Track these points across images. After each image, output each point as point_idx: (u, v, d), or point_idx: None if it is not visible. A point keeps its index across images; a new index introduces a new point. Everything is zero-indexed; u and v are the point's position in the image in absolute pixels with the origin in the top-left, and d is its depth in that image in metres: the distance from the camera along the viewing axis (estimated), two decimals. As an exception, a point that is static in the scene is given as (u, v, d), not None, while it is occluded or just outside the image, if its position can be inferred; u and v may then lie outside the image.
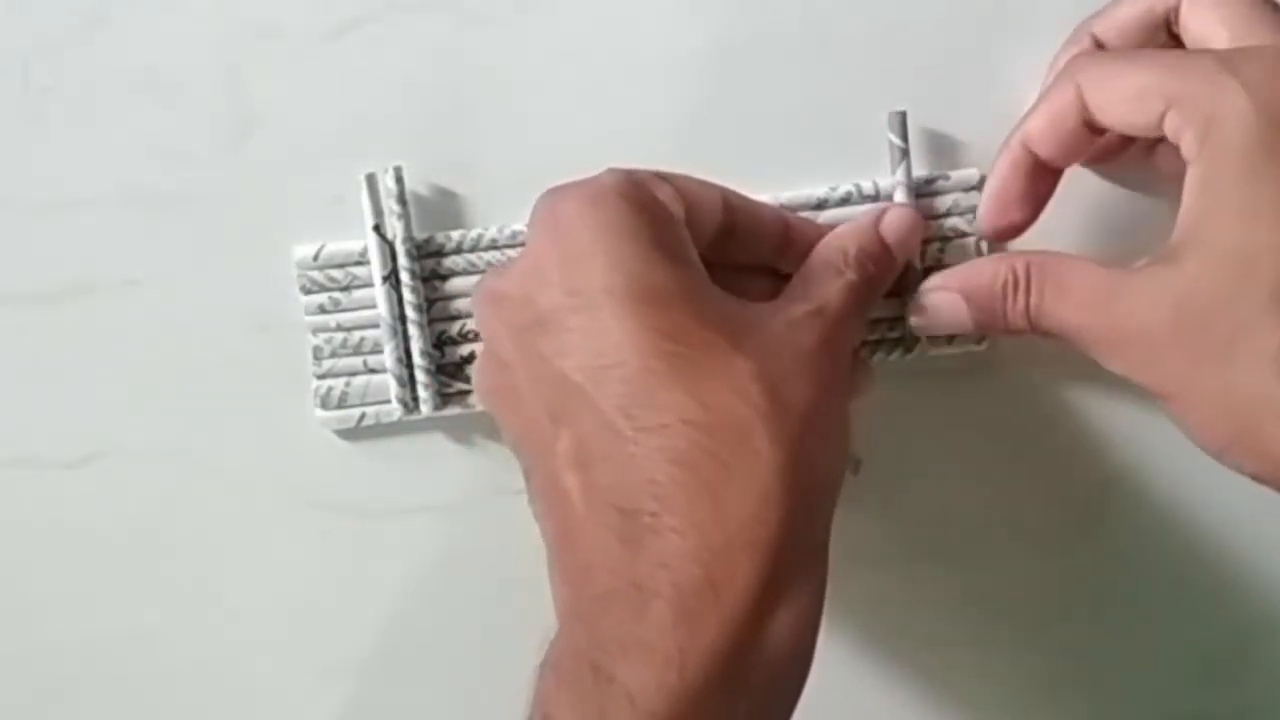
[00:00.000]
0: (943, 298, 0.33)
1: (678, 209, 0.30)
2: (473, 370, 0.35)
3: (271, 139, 0.36)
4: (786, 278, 0.32)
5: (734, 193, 0.33)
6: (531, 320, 0.28)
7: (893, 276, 0.34)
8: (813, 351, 0.28)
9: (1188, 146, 0.29)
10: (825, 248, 0.32)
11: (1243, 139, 0.27)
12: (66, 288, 0.37)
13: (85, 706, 0.38)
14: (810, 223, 0.35)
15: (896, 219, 0.33)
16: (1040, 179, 0.33)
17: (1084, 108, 0.31)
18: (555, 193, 0.29)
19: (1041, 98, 0.32)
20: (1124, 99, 0.30)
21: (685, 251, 0.29)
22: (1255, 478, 0.30)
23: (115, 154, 0.36)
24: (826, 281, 0.31)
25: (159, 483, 0.37)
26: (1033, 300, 0.31)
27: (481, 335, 0.31)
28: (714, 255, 0.32)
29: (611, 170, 0.30)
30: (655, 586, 0.25)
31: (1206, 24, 0.30)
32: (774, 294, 0.31)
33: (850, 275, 0.31)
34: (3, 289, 0.37)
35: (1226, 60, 0.28)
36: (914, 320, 0.34)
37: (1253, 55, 0.29)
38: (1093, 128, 0.31)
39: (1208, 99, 0.28)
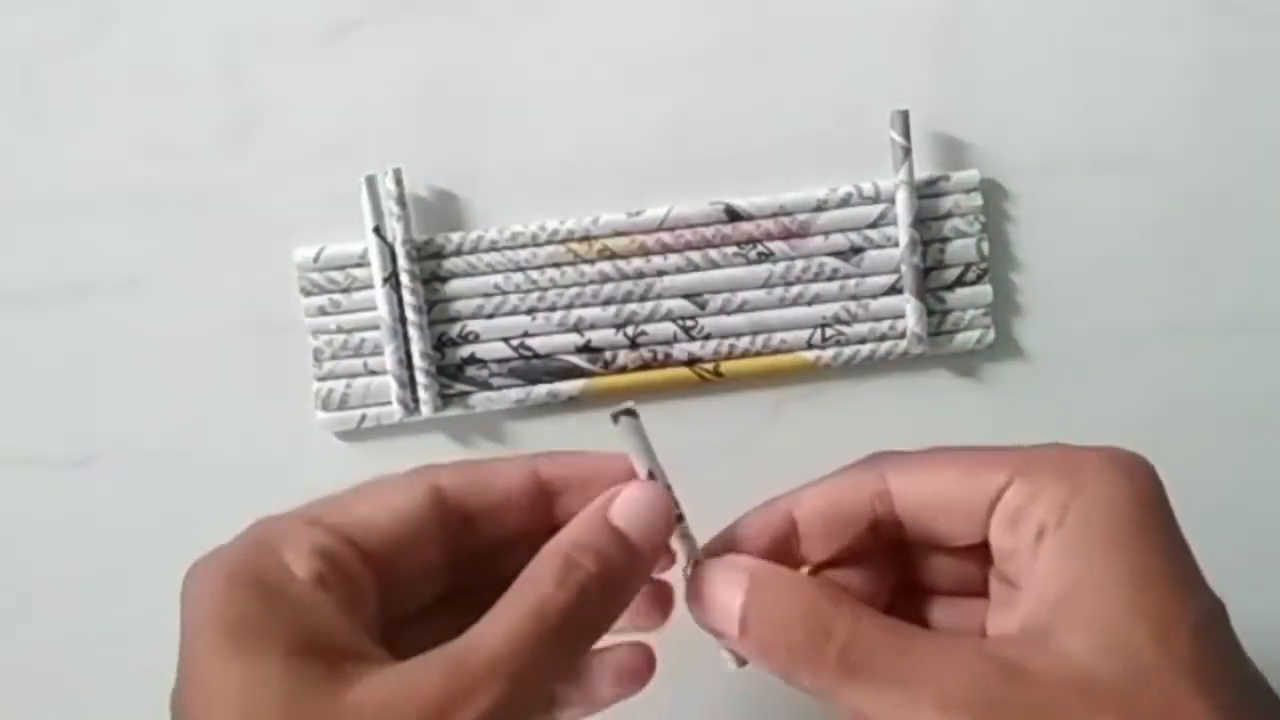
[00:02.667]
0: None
1: (303, 566, 0.26)
2: None
3: (271, 140, 0.36)
4: None
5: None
6: (172, 705, 0.27)
7: (632, 580, 0.26)
8: None
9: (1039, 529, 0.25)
10: (536, 561, 0.26)
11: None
12: (66, 288, 0.37)
13: (85, 706, 0.38)
14: (562, 456, 0.28)
15: (629, 504, 0.26)
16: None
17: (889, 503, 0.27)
18: (189, 572, 0.28)
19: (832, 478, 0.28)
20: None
21: (286, 628, 0.25)
22: None
23: (115, 154, 0.36)
24: (511, 604, 0.24)
25: (159, 483, 0.37)
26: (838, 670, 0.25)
27: None
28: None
29: (251, 528, 0.27)
30: None
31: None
32: None
33: (547, 591, 0.24)
34: (3, 289, 0.37)
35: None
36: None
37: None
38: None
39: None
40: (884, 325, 0.36)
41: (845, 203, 0.36)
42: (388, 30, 0.36)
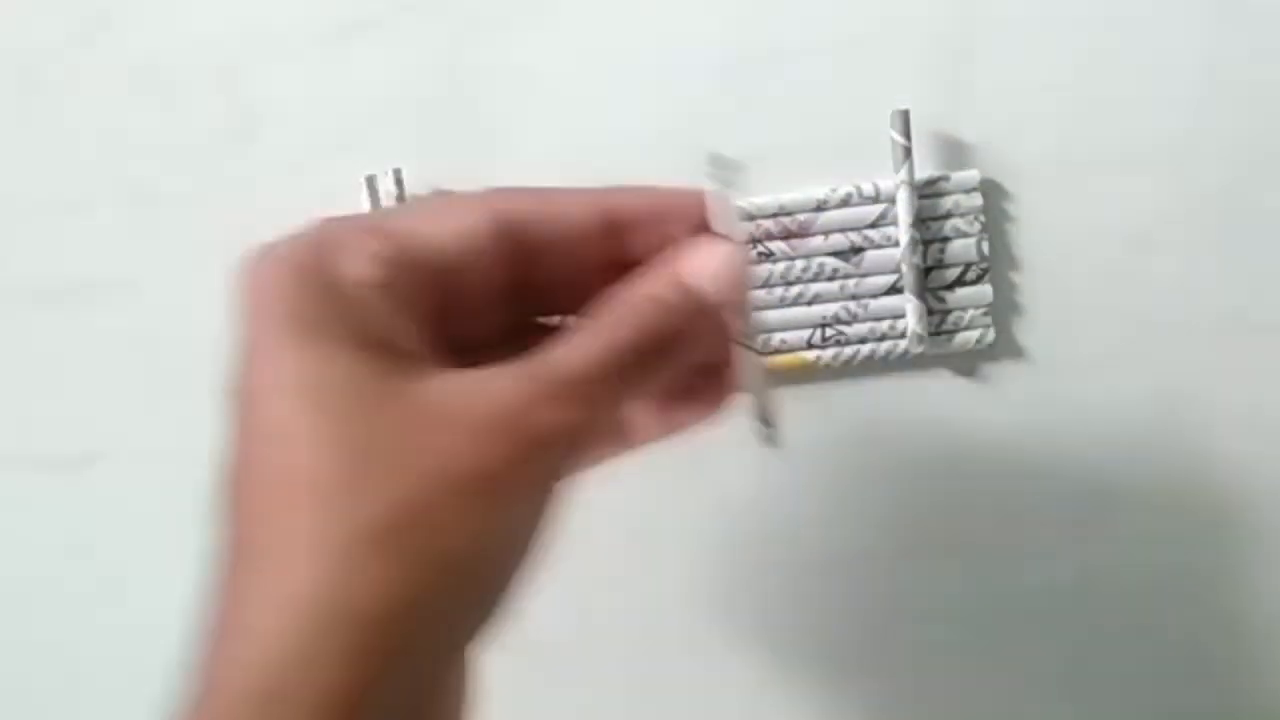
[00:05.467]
0: None
1: (365, 271, 0.25)
2: None
3: (271, 140, 0.36)
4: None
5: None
6: (229, 391, 0.26)
7: (702, 333, 0.26)
8: (482, 434, 0.23)
9: None
10: (617, 296, 0.26)
11: None
12: (66, 288, 0.37)
13: (85, 706, 0.38)
14: (634, 191, 0.28)
15: (720, 257, 0.26)
16: None
17: None
18: (247, 264, 0.26)
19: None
20: None
21: (350, 327, 0.24)
22: None
23: (115, 154, 0.36)
24: (589, 334, 0.25)
25: (159, 483, 0.37)
26: None
27: None
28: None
29: (311, 227, 0.26)
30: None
31: None
32: None
33: (622, 333, 0.25)
34: (3, 289, 0.37)
35: None
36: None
37: None
38: None
39: None
40: (884, 325, 0.36)
41: (845, 203, 0.36)
42: (388, 31, 0.36)
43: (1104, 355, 0.37)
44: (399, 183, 0.35)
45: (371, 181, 0.35)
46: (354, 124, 0.36)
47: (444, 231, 0.26)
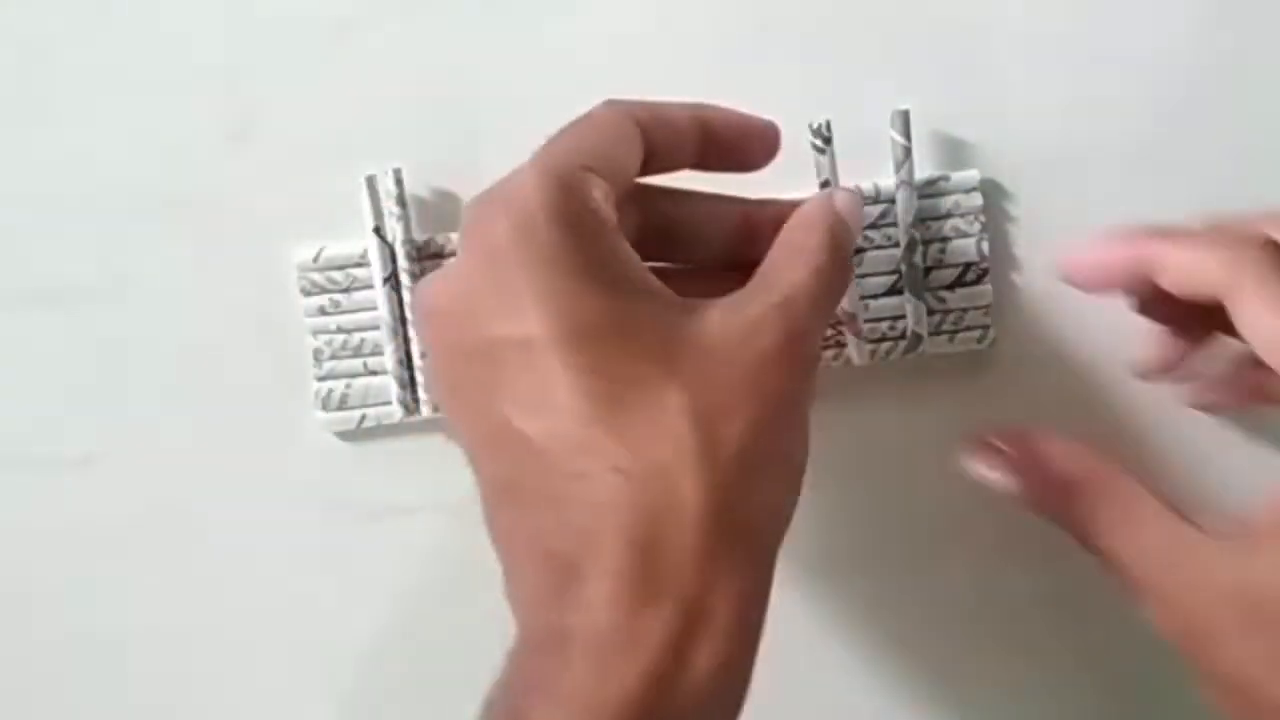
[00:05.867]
0: (999, 467, 0.33)
1: (610, 211, 0.28)
2: (424, 375, 0.34)
3: (271, 140, 0.36)
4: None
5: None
6: (469, 348, 0.27)
7: (851, 258, 0.32)
8: (770, 357, 0.26)
9: None
10: (789, 231, 0.30)
11: None
12: (66, 288, 0.37)
13: (85, 706, 0.38)
14: (770, 204, 0.33)
15: (847, 199, 0.31)
16: (1146, 285, 0.31)
17: (1222, 293, 0.29)
18: (484, 207, 0.27)
19: (1190, 244, 0.30)
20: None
21: (622, 269, 0.27)
22: None
23: (115, 154, 0.36)
24: (794, 267, 0.28)
25: (159, 483, 0.37)
26: (1086, 514, 0.31)
27: (423, 347, 0.30)
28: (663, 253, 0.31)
29: (538, 172, 0.27)
30: (575, 632, 0.24)
31: (1271, 330, 0.28)
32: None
33: (819, 257, 0.29)
34: (2, 289, 0.37)
35: None
36: (964, 461, 0.34)
37: None
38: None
39: None
40: (884, 325, 0.36)
41: (845, 202, 0.36)
42: (388, 30, 0.36)
43: (1105, 355, 0.37)
44: (399, 182, 0.35)
45: (371, 182, 0.35)
46: (353, 123, 0.36)
47: (630, 158, 0.29)
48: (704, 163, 0.32)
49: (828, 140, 0.35)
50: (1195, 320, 0.33)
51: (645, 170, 0.30)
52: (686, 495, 0.24)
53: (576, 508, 0.25)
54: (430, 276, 0.29)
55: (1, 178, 0.36)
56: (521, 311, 0.26)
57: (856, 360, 0.36)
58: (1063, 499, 0.31)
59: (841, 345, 0.36)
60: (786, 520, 0.27)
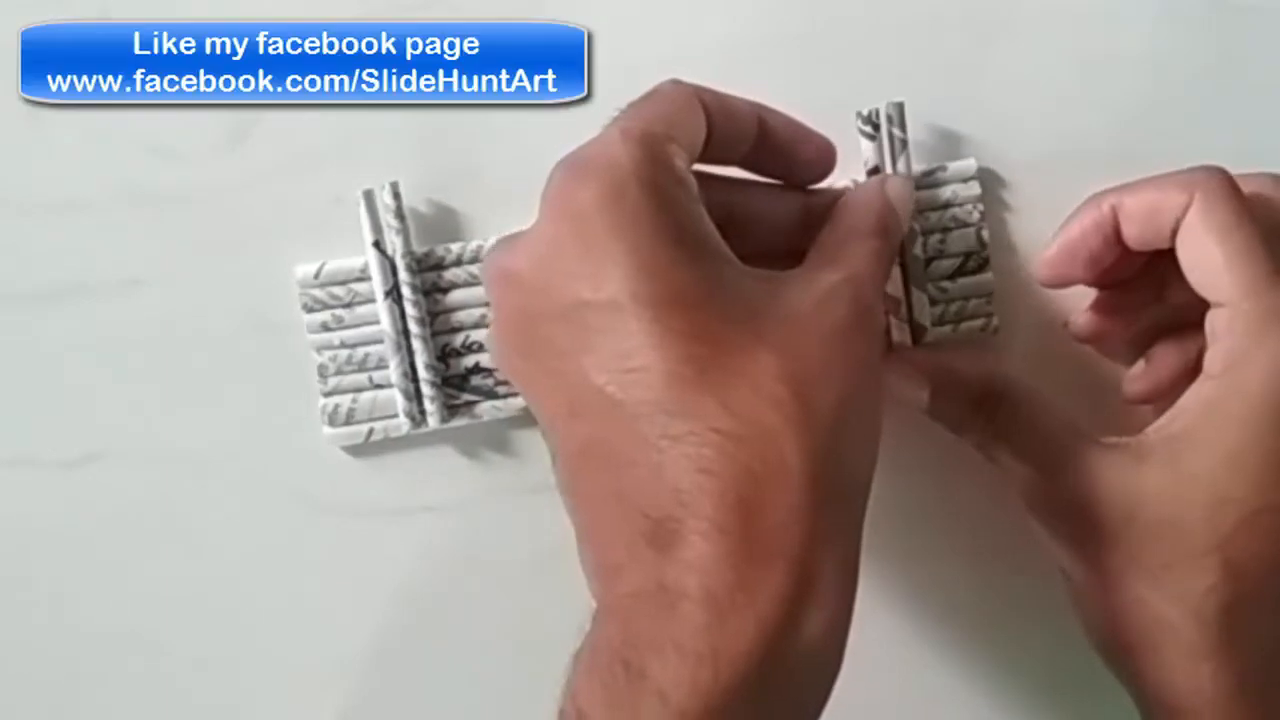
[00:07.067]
0: (908, 376, 0.33)
1: (693, 180, 0.28)
2: (489, 341, 0.34)
3: (271, 140, 0.36)
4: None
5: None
6: (549, 311, 0.27)
7: (899, 245, 0.34)
8: (846, 327, 0.27)
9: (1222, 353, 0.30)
10: (845, 213, 0.31)
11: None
12: (66, 288, 0.37)
13: (85, 706, 0.38)
14: (828, 193, 0.34)
15: (899, 186, 0.33)
16: (1112, 247, 0.33)
17: (1176, 222, 0.31)
18: (571, 171, 0.28)
19: (1152, 183, 0.32)
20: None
21: (706, 236, 0.28)
22: (1128, 687, 0.32)
23: (115, 154, 0.37)
24: (852, 247, 0.30)
25: (159, 483, 0.37)
26: (987, 419, 0.32)
27: (494, 313, 0.30)
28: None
29: (626, 137, 0.27)
30: (684, 589, 0.24)
31: (1203, 249, 0.30)
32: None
33: (875, 241, 0.30)
34: (3, 289, 0.37)
35: None
36: None
37: None
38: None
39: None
40: (887, 318, 0.36)
41: (843, 197, 0.36)
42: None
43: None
44: (396, 195, 0.35)
45: (369, 196, 0.35)
46: (352, 131, 0.36)
47: (698, 133, 0.30)
48: (756, 160, 0.32)
49: (877, 127, 0.35)
50: (1144, 290, 0.34)
51: (703, 156, 0.30)
52: (789, 457, 0.25)
53: (675, 469, 0.25)
54: (506, 241, 0.29)
55: (2, 179, 0.37)
56: (609, 275, 0.26)
57: (898, 339, 0.36)
58: (967, 405, 0.32)
59: (885, 333, 0.36)
60: (869, 486, 0.28)
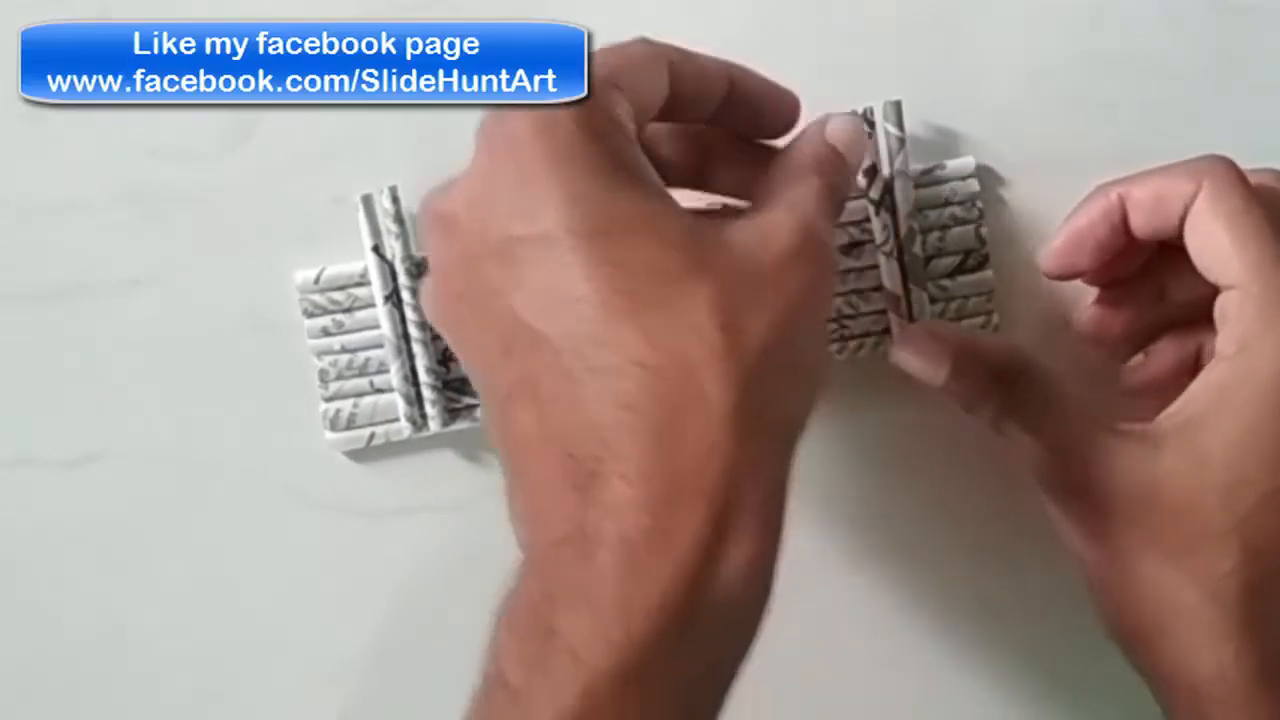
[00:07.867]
0: (927, 355, 0.33)
1: (631, 126, 0.28)
2: (421, 292, 0.32)
3: (271, 141, 0.36)
4: None
5: (680, 56, 0.31)
6: (483, 250, 0.26)
7: (850, 184, 0.32)
8: (784, 258, 0.26)
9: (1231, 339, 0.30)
10: (785, 156, 0.31)
11: None
12: (66, 288, 0.37)
13: (84, 706, 0.37)
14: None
15: (841, 123, 0.31)
16: (1119, 237, 0.33)
17: (1184, 209, 0.31)
18: (503, 109, 0.27)
19: (1159, 172, 0.32)
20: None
21: (642, 169, 0.27)
22: (1143, 673, 0.31)
23: (115, 154, 0.36)
24: (792, 185, 0.29)
25: (159, 483, 0.37)
26: (1004, 401, 0.32)
27: (431, 260, 0.29)
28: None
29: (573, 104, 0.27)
30: (601, 535, 0.23)
31: (1211, 234, 0.31)
32: None
33: (814, 179, 0.29)
34: (3, 289, 0.37)
35: None
36: (894, 352, 0.34)
37: None
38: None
39: None
40: (888, 317, 0.36)
41: (843, 196, 0.36)
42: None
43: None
44: (395, 200, 0.35)
45: (368, 201, 0.35)
46: (352, 134, 0.36)
47: (657, 93, 0.29)
48: (725, 117, 0.32)
49: (874, 125, 0.35)
50: (1146, 289, 0.34)
51: (669, 114, 0.30)
52: (710, 389, 0.24)
53: (596, 404, 0.24)
54: (440, 183, 0.28)
55: (2, 179, 0.36)
56: (542, 207, 0.25)
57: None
58: (987, 377, 0.32)
59: (886, 331, 0.36)
60: (803, 423, 0.27)
